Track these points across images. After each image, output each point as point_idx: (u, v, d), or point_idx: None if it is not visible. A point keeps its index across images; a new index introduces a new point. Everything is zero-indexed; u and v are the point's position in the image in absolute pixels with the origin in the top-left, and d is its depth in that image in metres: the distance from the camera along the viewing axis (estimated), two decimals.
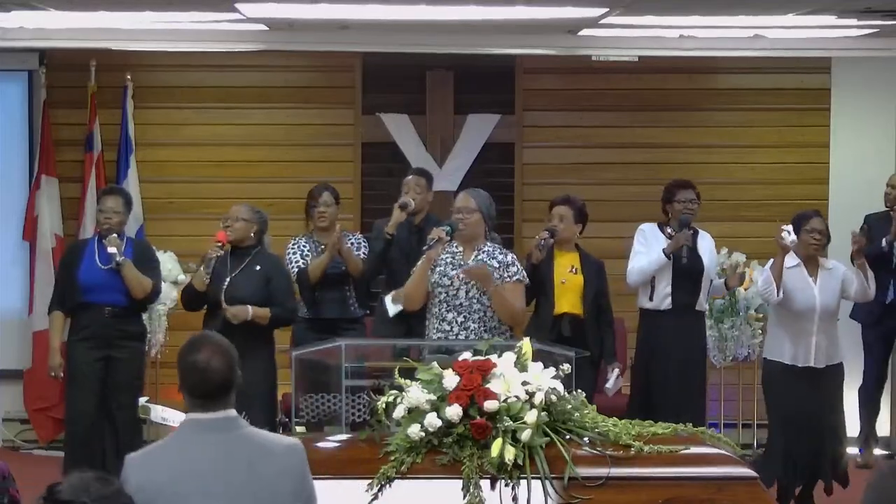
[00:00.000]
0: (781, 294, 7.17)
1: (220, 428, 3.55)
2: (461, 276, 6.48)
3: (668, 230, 7.49)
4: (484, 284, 6.48)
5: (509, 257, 6.65)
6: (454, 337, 6.45)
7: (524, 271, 6.71)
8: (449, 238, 6.56)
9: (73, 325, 7.39)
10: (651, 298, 7.52)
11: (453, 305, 6.51)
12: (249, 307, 7.09)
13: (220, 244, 7.20)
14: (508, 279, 6.57)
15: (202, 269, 7.24)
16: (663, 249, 7.41)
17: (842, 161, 9.46)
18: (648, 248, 7.48)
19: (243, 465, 3.52)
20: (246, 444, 3.56)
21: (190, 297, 7.40)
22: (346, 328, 7.44)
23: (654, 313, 7.53)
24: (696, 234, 7.61)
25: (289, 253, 7.59)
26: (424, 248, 6.64)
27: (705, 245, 7.60)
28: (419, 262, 6.61)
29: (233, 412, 3.58)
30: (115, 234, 7.24)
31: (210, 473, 3.50)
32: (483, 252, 6.60)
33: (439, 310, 6.55)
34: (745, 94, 9.51)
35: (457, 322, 6.50)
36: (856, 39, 8.61)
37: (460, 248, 6.61)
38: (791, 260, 7.29)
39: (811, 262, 7.29)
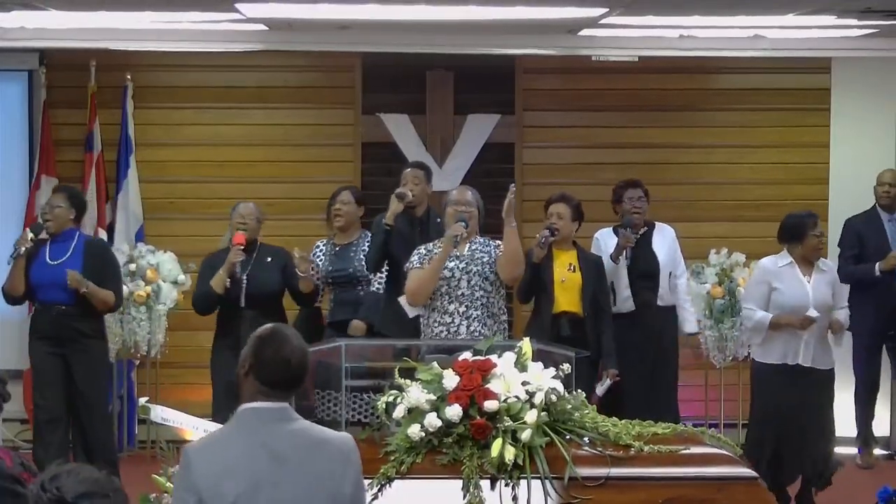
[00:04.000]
0: (759, 342, 7.29)
1: (282, 417, 3.58)
2: (468, 268, 6.49)
3: (621, 232, 7.58)
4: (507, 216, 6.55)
5: (503, 246, 6.66)
6: (456, 328, 6.46)
7: None
8: (466, 234, 6.55)
9: (32, 323, 7.42)
10: (614, 303, 7.58)
11: (455, 296, 6.52)
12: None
13: (241, 247, 7.20)
14: None
15: (222, 272, 7.19)
16: (610, 256, 7.51)
17: (842, 161, 9.46)
18: (603, 256, 7.57)
19: (301, 451, 3.55)
20: (307, 434, 3.60)
21: (207, 301, 7.33)
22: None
23: (620, 316, 7.56)
24: (651, 228, 7.66)
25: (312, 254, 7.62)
26: (441, 241, 6.56)
27: (662, 239, 7.65)
28: (433, 260, 6.57)
29: (287, 403, 3.62)
30: (29, 233, 7.22)
31: (279, 461, 3.52)
32: (476, 243, 6.62)
33: (441, 303, 6.55)
34: (745, 94, 9.51)
35: (458, 312, 6.50)
36: (856, 39, 8.61)
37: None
38: (783, 259, 7.30)
39: (806, 261, 7.29)
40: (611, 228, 7.71)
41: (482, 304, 6.52)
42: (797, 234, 7.27)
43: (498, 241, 6.68)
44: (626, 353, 7.51)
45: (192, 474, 3.49)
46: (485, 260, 6.58)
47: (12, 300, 7.42)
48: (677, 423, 5.40)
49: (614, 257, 7.52)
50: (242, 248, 7.21)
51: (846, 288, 7.82)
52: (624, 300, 7.58)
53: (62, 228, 7.29)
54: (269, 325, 3.70)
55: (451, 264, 6.55)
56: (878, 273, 8.44)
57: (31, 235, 7.24)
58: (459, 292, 6.52)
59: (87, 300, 7.23)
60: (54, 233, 7.27)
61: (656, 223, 7.77)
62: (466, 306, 6.51)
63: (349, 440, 3.67)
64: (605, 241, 7.68)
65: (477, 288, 6.53)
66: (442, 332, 6.48)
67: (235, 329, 7.18)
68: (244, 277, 7.24)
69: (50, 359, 7.24)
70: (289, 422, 3.59)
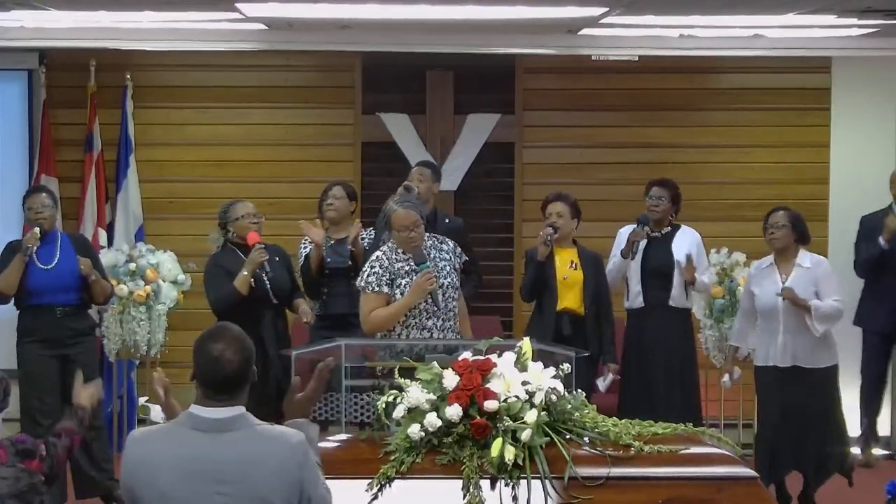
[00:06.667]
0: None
1: (220, 427, 3.55)
2: (440, 283, 6.40)
3: (635, 228, 7.60)
4: None
5: (451, 244, 6.56)
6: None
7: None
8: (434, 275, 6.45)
9: (23, 327, 7.29)
10: (627, 298, 7.64)
11: (432, 313, 6.43)
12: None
13: (263, 246, 7.24)
14: (460, 262, 6.54)
15: (245, 273, 7.18)
16: (621, 251, 7.52)
17: (842, 161, 9.46)
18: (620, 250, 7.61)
19: (233, 466, 3.52)
20: (241, 444, 3.55)
21: (230, 303, 7.21)
22: (355, 323, 7.42)
23: (631, 313, 7.65)
24: (675, 230, 7.67)
25: (301, 248, 7.63)
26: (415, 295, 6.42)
27: (682, 241, 7.65)
28: (399, 304, 6.37)
29: (238, 409, 3.58)
30: (37, 230, 7.16)
31: (200, 472, 3.51)
32: (432, 249, 6.48)
33: (419, 319, 6.42)
34: (745, 94, 9.51)
35: (437, 327, 6.44)
36: (856, 39, 8.61)
37: (409, 255, 6.41)
38: (766, 261, 7.32)
39: (787, 260, 7.26)
40: (634, 226, 7.68)
41: (455, 315, 6.49)
42: (763, 229, 7.35)
43: (451, 242, 6.57)
44: (636, 350, 7.54)
45: (127, 460, 3.57)
46: (448, 270, 6.50)
47: (3, 298, 7.32)
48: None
49: (624, 252, 7.53)
50: (263, 246, 7.24)
51: (836, 281, 7.57)
52: (635, 296, 7.60)
53: (52, 228, 7.28)
54: (213, 325, 3.70)
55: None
56: (883, 245, 8.37)
57: (38, 234, 7.17)
58: (435, 308, 6.47)
59: (85, 298, 7.24)
60: (47, 231, 7.24)
61: (682, 225, 7.75)
62: (444, 320, 6.46)
63: (295, 445, 3.59)
64: (625, 237, 7.66)
65: (451, 300, 6.46)
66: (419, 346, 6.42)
67: (257, 328, 7.11)
68: (266, 276, 7.29)
69: (47, 361, 7.21)
70: (224, 431, 3.54)
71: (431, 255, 6.45)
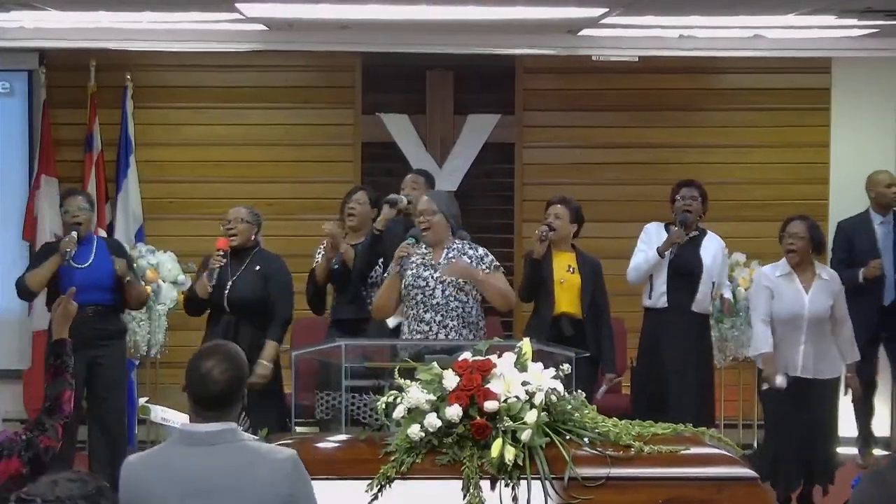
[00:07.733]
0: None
1: (208, 440, 3.57)
2: (442, 277, 6.46)
3: (672, 229, 7.53)
4: (467, 277, 6.47)
5: (480, 251, 6.61)
6: (434, 336, 6.44)
7: (496, 261, 6.68)
8: (413, 247, 6.54)
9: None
10: (650, 297, 7.56)
11: (430, 305, 6.47)
12: (269, 364, 7.06)
13: (221, 253, 7.16)
14: (486, 270, 6.56)
15: (205, 277, 7.16)
16: (657, 248, 7.47)
17: (842, 161, 9.46)
18: (649, 247, 7.53)
19: (222, 479, 3.53)
20: (230, 456, 3.56)
21: (193, 303, 7.34)
22: (365, 328, 7.40)
23: (651, 312, 7.59)
24: (702, 234, 7.63)
25: (317, 253, 7.58)
26: (393, 266, 6.59)
27: (710, 246, 7.60)
28: (387, 278, 6.60)
29: (229, 424, 3.60)
30: (75, 234, 7.19)
31: (190, 485, 3.53)
32: (452, 249, 6.57)
33: (416, 311, 6.50)
34: (745, 94, 9.51)
35: (435, 321, 6.47)
36: (856, 39, 8.61)
37: (430, 249, 6.57)
38: (782, 268, 7.28)
39: (805, 270, 7.24)
40: (662, 223, 7.61)
41: (458, 315, 6.48)
42: (780, 236, 7.31)
43: (481, 250, 6.62)
44: (653, 349, 7.52)
45: (122, 486, 3.56)
46: None
47: (29, 295, 7.38)
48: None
49: (661, 250, 7.45)
50: (223, 254, 7.13)
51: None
52: (658, 296, 7.53)
53: (87, 232, 7.34)
54: (212, 342, 3.76)
55: (426, 273, 6.50)
56: (861, 280, 8.40)
57: (75, 239, 7.19)
58: (434, 301, 6.47)
59: (119, 299, 7.29)
60: (83, 235, 7.28)
61: (708, 231, 7.69)
62: (442, 315, 6.48)
63: (286, 462, 3.60)
64: (655, 232, 7.57)
65: (452, 298, 6.49)
66: (420, 339, 6.44)
67: (215, 333, 7.09)
68: (229, 282, 7.20)
69: (76, 366, 7.19)
70: (215, 444, 3.56)
71: (450, 255, 6.53)
